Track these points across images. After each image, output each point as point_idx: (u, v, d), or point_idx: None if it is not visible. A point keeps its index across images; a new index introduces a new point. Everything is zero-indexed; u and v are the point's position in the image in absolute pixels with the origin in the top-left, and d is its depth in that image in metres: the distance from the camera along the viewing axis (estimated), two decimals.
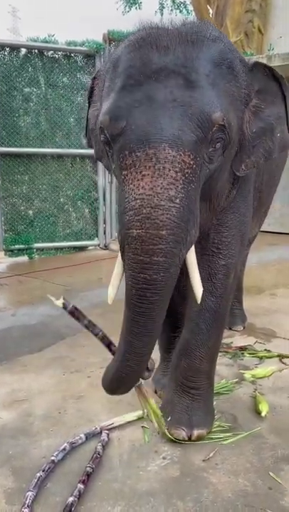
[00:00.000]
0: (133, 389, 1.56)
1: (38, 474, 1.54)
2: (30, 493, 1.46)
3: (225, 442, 1.75)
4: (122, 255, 1.28)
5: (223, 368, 2.38)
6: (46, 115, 5.20)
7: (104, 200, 5.64)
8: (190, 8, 8.25)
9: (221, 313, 1.73)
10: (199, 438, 1.74)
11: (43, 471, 1.57)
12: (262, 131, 1.51)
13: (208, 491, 1.50)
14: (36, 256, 5.39)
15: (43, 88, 5.16)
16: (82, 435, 1.77)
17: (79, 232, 5.63)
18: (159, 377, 2.11)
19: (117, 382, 1.45)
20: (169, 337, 2.02)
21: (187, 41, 1.28)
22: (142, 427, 1.85)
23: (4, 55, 4.95)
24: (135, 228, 1.18)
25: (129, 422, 1.88)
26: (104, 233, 5.74)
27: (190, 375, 1.75)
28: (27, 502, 1.43)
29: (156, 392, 2.09)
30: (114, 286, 1.38)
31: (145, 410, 1.67)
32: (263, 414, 1.89)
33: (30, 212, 5.35)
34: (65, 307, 1.43)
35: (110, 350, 1.52)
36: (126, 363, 1.36)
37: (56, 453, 1.66)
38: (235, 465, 1.63)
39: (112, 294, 1.38)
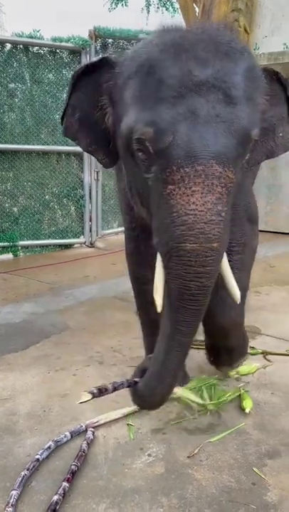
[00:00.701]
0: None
1: (23, 473, 1.54)
2: (14, 492, 1.45)
3: (211, 440, 1.76)
4: (166, 264, 1.31)
5: (209, 364, 2.39)
6: (31, 111, 5.15)
7: (90, 197, 5.62)
8: (176, 6, 8.25)
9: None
10: None
11: (28, 469, 1.56)
12: (265, 131, 1.54)
13: (192, 487, 1.52)
14: (21, 254, 5.34)
15: (28, 84, 5.11)
16: (67, 433, 1.77)
17: (64, 229, 5.59)
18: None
19: (168, 386, 1.49)
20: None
21: (222, 53, 1.28)
22: (128, 424, 1.86)
23: None
24: (189, 242, 1.24)
25: (114, 420, 1.88)
26: (90, 231, 5.72)
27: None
28: (11, 501, 1.42)
29: None
30: (160, 293, 1.37)
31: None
32: (247, 410, 1.92)
33: (15, 209, 5.30)
34: (94, 396, 1.61)
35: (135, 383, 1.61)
36: (175, 360, 1.41)
37: (41, 451, 1.65)
38: (220, 461, 1.64)
39: (159, 301, 1.37)
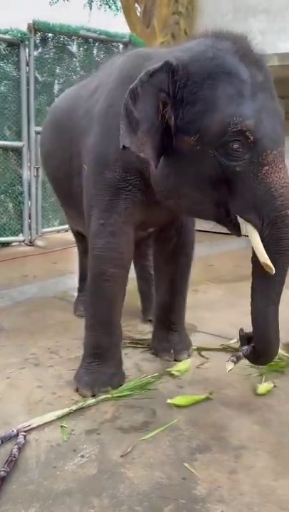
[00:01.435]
0: None
1: None
2: None
3: (144, 437, 1.78)
4: (268, 232, 1.61)
5: (146, 363, 2.42)
6: None
7: (29, 194, 5.48)
8: (119, 4, 8.25)
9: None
10: None
11: None
12: None
13: (124, 485, 1.52)
14: None
15: None
16: None
17: (2, 227, 5.42)
18: None
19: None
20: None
21: (260, 60, 1.64)
22: (61, 426, 1.83)
23: None
24: (287, 209, 1.58)
25: (47, 423, 1.85)
26: (30, 229, 5.58)
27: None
28: None
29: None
30: (267, 256, 1.61)
31: None
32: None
33: None
34: (235, 362, 1.80)
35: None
36: (277, 310, 1.74)
37: None
38: (152, 458, 1.66)
39: (269, 262, 1.60)
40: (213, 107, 1.55)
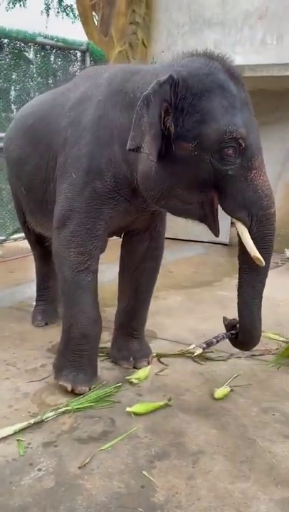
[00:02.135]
0: None
1: None
2: None
3: (103, 447, 1.77)
4: (256, 228, 1.86)
5: (105, 371, 2.41)
6: None
7: None
8: (76, 12, 8.25)
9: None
10: None
11: None
12: None
13: (82, 497, 1.51)
14: None
15: None
16: None
17: None
18: None
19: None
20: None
21: (241, 78, 1.85)
22: (17, 440, 1.79)
23: None
24: (272, 208, 1.86)
25: (3, 438, 1.80)
26: None
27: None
28: None
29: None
30: (256, 250, 1.84)
31: None
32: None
33: None
34: (204, 349, 2.14)
35: (232, 334, 2.12)
36: (261, 301, 2.00)
37: None
38: (111, 468, 1.66)
39: (259, 255, 1.83)
40: (211, 116, 1.75)
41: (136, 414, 1.98)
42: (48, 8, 9.67)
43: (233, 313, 3.27)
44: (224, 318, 2.17)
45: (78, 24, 6.66)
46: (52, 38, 5.49)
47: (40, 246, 3.00)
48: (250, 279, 1.96)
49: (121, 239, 2.47)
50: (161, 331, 2.99)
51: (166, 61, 2.04)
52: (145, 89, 1.75)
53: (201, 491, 1.55)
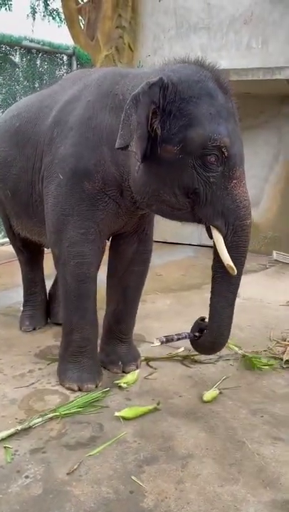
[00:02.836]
0: None
1: None
2: None
3: (91, 453, 1.75)
4: (231, 237, 1.87)
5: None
6: None
7: None
8: (63, 16, 8.24)
9: None
10: None
11: None
12: None
13: (70, 504, 1.49)
14: None
15: None
16: None
17: None
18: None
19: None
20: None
21: (230, 88, 1.88)
22: (5, 447, 1.77)
23: None
24: (248, 219, 1.88)
25: None
26: None
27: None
28: None
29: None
30: (229, 258, 1.85)
31: None
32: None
33: None
34: (162, 343, 2.10)
35: (195, 336, 2.11)
36: (232, 309, 2.00)
37: None
38: (99, 473, 1.64)
39: (232, 264, 1.85)
40: (197, 122, 1.77)
41: (124, 418, 1.97)
42: (34, 12, 9.64)
43: None
44: (199, 318, 2.16)
45: (64, 28, 6.65)
46: (38, 42, 5.49)
47: (26, 251, 2.98)
48: (223, 289, 1.96)
49: (109, 242, 2.46)
50: (150, 335, 2.98)
51: (157, 65, 2.06)
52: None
53: (190, 495, 1.55)
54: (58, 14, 9.47)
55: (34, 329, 2.99)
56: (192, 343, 2.15)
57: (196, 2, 6.14)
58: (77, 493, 1.55)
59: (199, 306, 3.67)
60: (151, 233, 2.47)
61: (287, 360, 2.59)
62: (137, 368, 2.46)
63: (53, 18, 9.75)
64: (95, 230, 2.13)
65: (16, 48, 5.36)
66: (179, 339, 2.12)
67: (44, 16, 9.71)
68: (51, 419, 1.96)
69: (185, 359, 2.60)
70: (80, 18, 6.33)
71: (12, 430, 1.86)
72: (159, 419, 2.00)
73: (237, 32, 6.01)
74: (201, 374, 2.44)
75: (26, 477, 1.62)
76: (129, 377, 2.35)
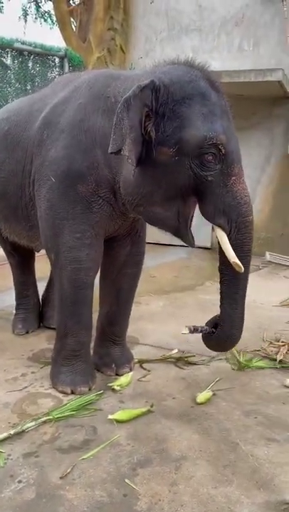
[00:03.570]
0: None
1: None
2: None
3: (85, 456, 1.74)
4: (235, 235, 1.87)
5: None
6: None
7: None
8: (54, 18, 8.24)
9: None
10: None
11: None
12: None
13: (63, 508, 1.48)
14: None
15: None
16: None
17: None
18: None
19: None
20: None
21: (221, 87, 1.89)
22: None
23: None
24: (250, 215, 1.88)
25: None
26: None
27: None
28: None
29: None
30: (235, 255, 1.84)
31: None
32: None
33: None
34: (191, 331, 2.05)
35: (212, 332, 2.07)
36: (243, 305, 2.01)
37: None
38: (93, 477, 1.64)
39: (238, 261, 1.83)
40: (192, 122, 1.77)
41: (118, 421, 1.96)
42: (25, 14, 9.64)
43: None
44: (214, 317, 2.13)
45: (56, 30, 6.66)
46: (30, 44, 5.49)
47: (17, 255, 2.97)
48: (231, 290, 1.96)
49: None
50: (144, 337, 2.98)
51: (148, 67, 2.06)
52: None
53: (184, 497, 1.54)
54: (50, 16, 9.47)
55: (27, 332, 2.98)
56: (204, 339, 2.14)
57: (188, 4, 6.17)
58: (71, 497, 1.54)
59: (193, 307, 3.70)
60: (144, 235, 2.47)
61: (280, 361, 2.60)
62: (131, 370, 2.46)
63: (45, 20, 9.76)
64: (91, 234, 2.11)
65: (7, 50, 5.35)
66: (201, 331, 2.09)
67: (36, 18, 9.72)
68: (44, 422, 1.95)
69: (178, 361, 2.60)
70: (71, 20, 6.35)
71: (5, 434, 1.84)
72: (152, 421, 2.00)
73: (228, 34, 6.04)
74: (194, 376, 2.44)
75: (19, 482, 1.61)
76: (123, 379, 2.34)
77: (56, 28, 7.23)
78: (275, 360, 2.61)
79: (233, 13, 5.95)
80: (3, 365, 2.51)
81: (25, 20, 9.61)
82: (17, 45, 5.32)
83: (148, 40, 6.22)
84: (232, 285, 1.95)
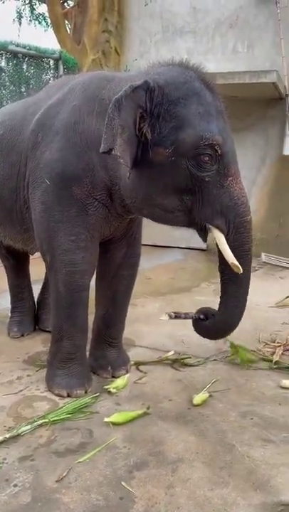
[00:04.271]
0: None
1: None
2: None
3: (80, 460, 1.74)
4: (233, 235, 1.87)
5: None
6: None
7: None
8: (49, 20, 8.25)
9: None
10: None
11: None
12: None
13: None
14: None
15: None
16: None
17: None
18: None
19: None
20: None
21: (216, 87, 1.89)
22: None
23: None
24: (248, 215, 1.88)
25: None
26: None
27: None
28: None
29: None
30: (233, 256, 1.84)
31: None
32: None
33: None
34: (171, 317, 2.07)
35: (200, 318, 2.08)
36: (245, 301, 2.01)
37: None
38: (89, 480, 1.63)
39: (236, 262, 1.83)
40: (188, 123, 1.77)
41: (114, 424, 1.96)
42: (20, 17, 9.64)
43: None
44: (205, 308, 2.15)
45: (51, 32, 6.65)
46: (24, 47, 5.48)
47: (12, 258, 2.96)
48: (232, 289, 1.96)
49: None
50: (140, 339, 2.98)
51: (142, 69, 2.06)
52: None
53: (181, 500, 1.54)
54: (44, 18, 9.48)
55: (22, 335, 2.97)
56: (195, 325, 2.11)
57: (182, 6, 6.19)
58: (67, 500, 1.53)
59: (189, 309, 3.65)
60: (139, 237, 2.47)
61: (276, 362, 2.60)
62: (127, 372, 2.45)
63: (39, 23, 9.76)
64: (86, 237, 2.10)
65: (1, 52, 5.34)
66: (186, 318, 2.10)
67: (30, 20, 9.72)
68: (40, 426, 1.94)
69: (175, 362, 2.60)
70: (66, 22, 6.35)
71: (0, 438, 1.83)
72: (148, 423, 1.99)
73: (223, 36, 6.06)
74: (190, 377, 2.44)
75: (15, 486, 1.60)
76: (119, 381, 2.33)
77: (51, 31, 7.22)
78: (271, 361, 2.61)
79: (228, 15, 5.97)
80: None
81: (20, 23, 9.61)
82: (11, 47, 5.31)
83: (143, 43, 6.23)
84: (233, 283, 1.95)
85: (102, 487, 1.60)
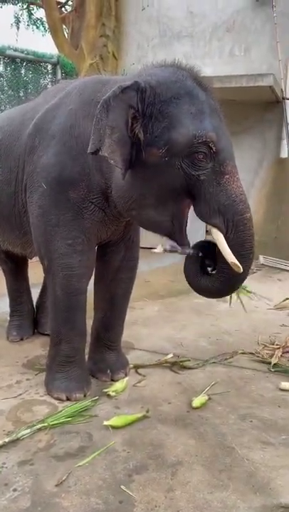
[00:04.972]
0: None
1: None
2: None
3: (80, 463, 1.73)
4: (233, 234, 1.82)
5: None
6: None
7: None
8: (47, 25, 8.28)
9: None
10: None
11: None
12: None
13: None
14: None
15: None
16: None
17: None
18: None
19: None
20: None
21: (210, 86, 1.89)
22: None
23: None
24: (247, 212, 1.84)
25: None
26: None
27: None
28: None
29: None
30: (233, 255, 1.80)
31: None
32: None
33: None
34: (165, 250, 2.02)
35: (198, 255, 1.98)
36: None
37: None
38: (88, 484, 1.62)
39: (236, 261, 1.79)
40: (180, 122, 1.76)
41: (113, 427, 1.95)
42: (18, 21, 9.67)
43: (210, 321, 3.29)
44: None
45: (49, 37, 6.68)
46: (22, 51, 5.50)
47: (10, 262, 2.96)
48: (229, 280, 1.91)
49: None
50: (139, 342, 2.98)
51: (136, 71, 2.07)
52: None
53: (180, 503, 1.54)
54: (42, 23, 9.51)
55: (21, 339, 2.97)
56: (188, 263, 2.00)
57: (179, 10, 6.22)
58: (66, 504, 1.53)
59: (187, 311, 3.70)
60: (137, 240, 2.47)
61: (275, 364, 2.60)
62: (126, 375, 2.45)
63: (37, 28, 9.80)
64: (83, 240, 2.11)
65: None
66: (182, 253, 1.97)
67: (28, 25, 9.75)
68: (39, 430, 1.94)
69: (174, 365, 2.60)
70: (63, 27, 6.38)
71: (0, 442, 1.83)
72: (148, 426, 1.99)
73: (220, 40, 6.10)
74: (189, 380, 2.44)
75: (14, 490, 1.60)
76: (118, 385, 2.33)
77: (48, 35, 7.26)
78: (270, 363, 2.62)
79: (224, 19, 6.01)
80: None
81: (18, 28, 9.65)
82: (9, 52, 5.34)
83: (140, 47, 6.26)
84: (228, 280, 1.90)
85: (101, 491, 1.59)
